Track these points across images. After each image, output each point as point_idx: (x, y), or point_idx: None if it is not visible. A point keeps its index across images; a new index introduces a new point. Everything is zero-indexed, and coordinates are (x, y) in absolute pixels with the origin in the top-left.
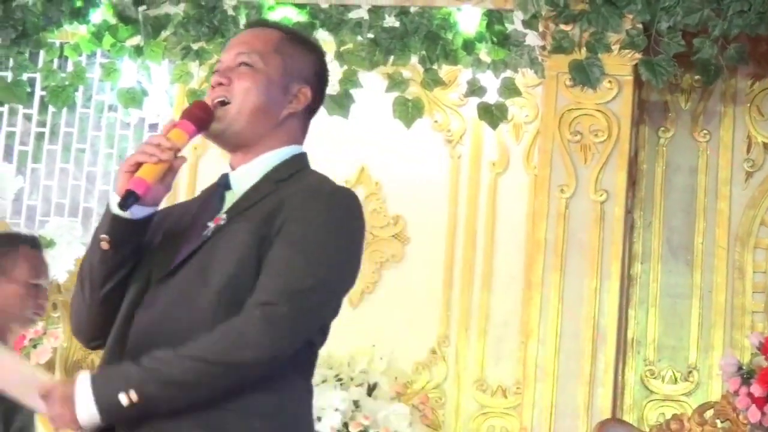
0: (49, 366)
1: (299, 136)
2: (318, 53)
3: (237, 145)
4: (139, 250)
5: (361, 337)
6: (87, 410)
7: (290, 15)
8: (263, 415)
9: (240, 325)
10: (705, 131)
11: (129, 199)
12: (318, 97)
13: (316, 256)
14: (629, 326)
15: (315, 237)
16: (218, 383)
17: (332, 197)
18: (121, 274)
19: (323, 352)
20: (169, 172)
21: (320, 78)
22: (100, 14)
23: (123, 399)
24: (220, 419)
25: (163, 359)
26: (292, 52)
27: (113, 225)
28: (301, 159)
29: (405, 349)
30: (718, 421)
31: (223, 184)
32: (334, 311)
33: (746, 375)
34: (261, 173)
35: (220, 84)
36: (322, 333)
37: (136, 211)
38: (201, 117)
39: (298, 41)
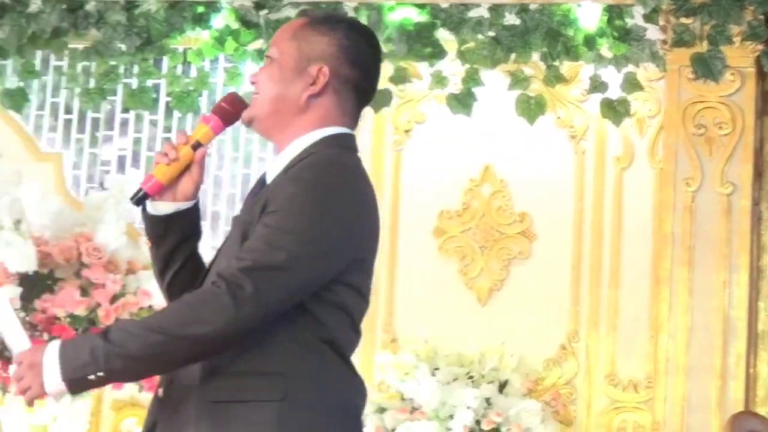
0: None
1: (335, 117)
2: (344, 29)
3: (267, 133)
4: (187, 244)
5: (490, 334)
6: (54, 384)
7: (411, 15)
8: (273, 402)
9: (203, 298)
10: None
11: (136, 196)
12: (351, 71)
13: (287, 229)
14: (759, 318)
15: (287, 211)
16: (179, 357)
17: (310, 170)
18: (175, 267)
19: (453, 351)
20: (195, 164)
21: (348, 51)
22: (222, 19)
23: (90, 376)
24: (232, 411)
25: (129, 331)
26: (308, 35)
27: (145, 223)
28: (324, 141)
29: (535, 346)
30: None
31: (261, 180)
32: (346, 284)
33: None
34: (285, 162)
35: (253, 83)
36: (344, 312)
37: (162, 207)
38: (226, 109)
39: (319, 23)
